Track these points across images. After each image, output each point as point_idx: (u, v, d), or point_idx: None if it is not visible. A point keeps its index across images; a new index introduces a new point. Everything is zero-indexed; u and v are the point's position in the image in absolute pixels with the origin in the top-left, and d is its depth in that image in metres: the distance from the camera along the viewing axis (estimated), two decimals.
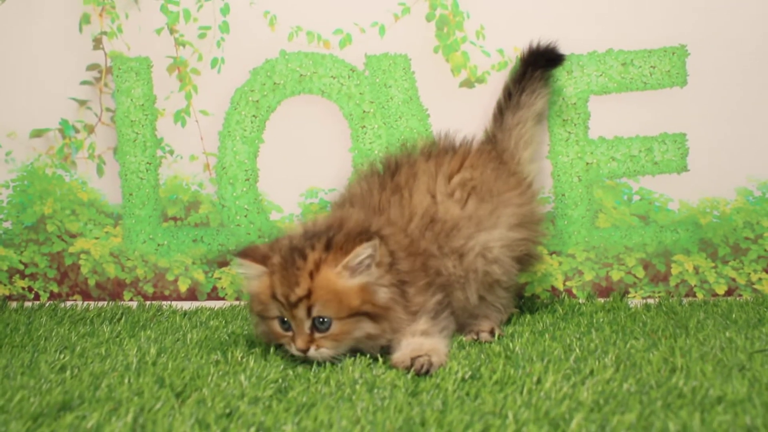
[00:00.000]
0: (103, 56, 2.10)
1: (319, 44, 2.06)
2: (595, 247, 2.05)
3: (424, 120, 2.06)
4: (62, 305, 2.08)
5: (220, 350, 1.55)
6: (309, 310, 1.44)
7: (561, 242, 2.05)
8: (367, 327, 1.47)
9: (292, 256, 1.47)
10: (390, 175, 1.75)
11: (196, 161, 2.11)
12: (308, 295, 1.44)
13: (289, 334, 1.47)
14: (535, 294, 2.07)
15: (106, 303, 2.11)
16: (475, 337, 1.66)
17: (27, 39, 2.10)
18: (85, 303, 2.11)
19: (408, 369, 1.40)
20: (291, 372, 1.41)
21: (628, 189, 2.04)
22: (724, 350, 1.46)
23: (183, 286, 2.12)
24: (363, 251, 1.45)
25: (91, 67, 2.10)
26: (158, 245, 2.12)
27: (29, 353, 1.56)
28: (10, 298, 2.15)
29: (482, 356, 1.49)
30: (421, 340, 1.47)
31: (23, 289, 2.16)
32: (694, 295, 2.04)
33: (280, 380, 1.35)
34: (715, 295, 2.03)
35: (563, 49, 1.95)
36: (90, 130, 2.12)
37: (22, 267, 2.15)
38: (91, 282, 2.14)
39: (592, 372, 1.35)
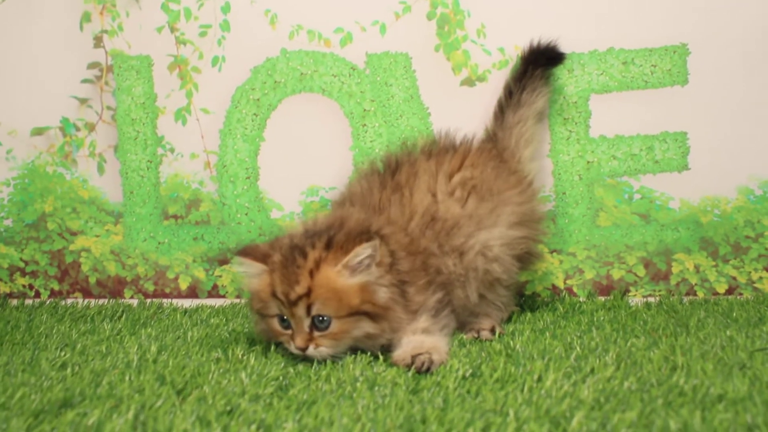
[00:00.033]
0: (104, 54, 2.10)
1: (320, 43, 2.06)
2: (596, 246, 2.05)
3: (425, 118, 2.06)
4: (63, 303, 2.08)
5: (220, 348, 1.55)
6: (308, 308, 1.44)
7: (562, 241, 2.05)
8: (367, 326, 1.47)
9: (293, 254, 1.47)
10: (390, 173, 1.75)
11: (196, 159, 2.11)
12: (308, 293, 1.44)
13: (289, 332, 1.48)
14: (535, 292, 2.07)
15: (106, 301, 2.11)
16: (476, 335, 1.66)
17: (28, 37, 2.11)
18: (86, 300, 2.11)
19: (409, 367, 1.40)
20: (292, 370, 1.41)
21: (629, 187, 2.04)
22: (724, 349, 1.46)
23: (183, 284, 2.12)
24: (363, 251, 1.45)
25: (92, 66, 2.11)
26: (159, 243, 2.12)
27: (30, 351, 1.56)
28: (10, 295, 2.15)
29: (483, 354, 1.49)
30: (421, 338, 1.47)
31: (24, 286, 2.16)
32: (695, 294, 2.04)
33: (281, 378, 1.35)
34: (716, 293, 2.03)
35: (564, 47, 1.95)
36: (91, 128, 2.12)
37: (22, 264, 2.16)
38: (92, 280, 2.14)
39: (592, 370, 1.35)
